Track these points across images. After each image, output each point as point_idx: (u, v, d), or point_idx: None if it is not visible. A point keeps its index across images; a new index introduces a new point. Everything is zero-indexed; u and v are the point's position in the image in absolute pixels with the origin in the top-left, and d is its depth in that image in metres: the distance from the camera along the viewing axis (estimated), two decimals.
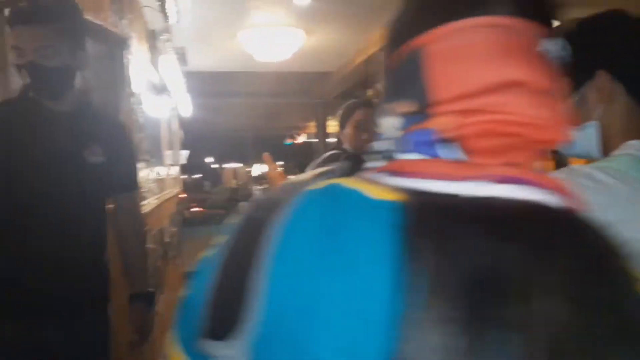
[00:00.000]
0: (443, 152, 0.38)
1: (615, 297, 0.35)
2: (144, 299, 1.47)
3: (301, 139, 13.34)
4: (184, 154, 6.40)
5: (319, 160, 1.74)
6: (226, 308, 0.39)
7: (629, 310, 0.35)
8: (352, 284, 0.34)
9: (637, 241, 0.46)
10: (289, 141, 13.99)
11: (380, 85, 0.49)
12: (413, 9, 0.44)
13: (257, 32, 4.36)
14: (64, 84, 1.29)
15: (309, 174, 0.46)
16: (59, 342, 1.29)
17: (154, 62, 3.73)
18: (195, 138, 8.28)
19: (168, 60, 4.00)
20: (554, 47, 0.41)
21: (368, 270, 0.34)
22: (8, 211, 1.28)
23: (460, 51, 0.39)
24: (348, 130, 1.83)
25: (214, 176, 14.66)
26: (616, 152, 0.76)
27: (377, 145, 0.44)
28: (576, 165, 0.80)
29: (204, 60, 5.29)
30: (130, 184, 1.48)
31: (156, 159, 3.79)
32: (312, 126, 9.99)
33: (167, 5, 3.19)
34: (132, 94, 2.73)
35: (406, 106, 0.41)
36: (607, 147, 0.78)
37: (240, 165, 14.75)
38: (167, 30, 3.82)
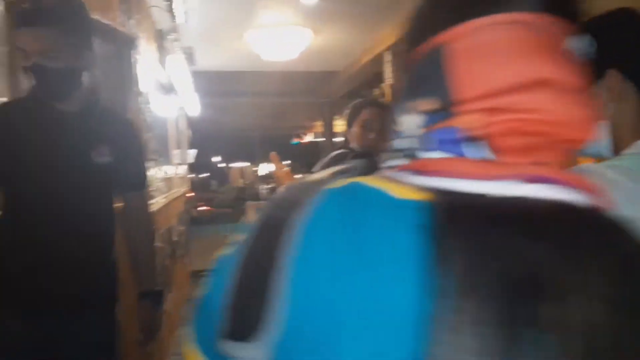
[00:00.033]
0: (469, 150, 0.38)
1: None
2: (153, 298, 1.47)
3: (308, 138, 13.34)
4: (192, 153, 6.43)
5: (326, 159, 1.74)
6: (247, 309, 0.38)
7: None
8: (378, 286, 0.34)
9: None
10: (295, 140, 14.00)
11: (396, 83, 0.48)
12: (433, 5, 0.43)
13: (264, 32, 4.37)
14: (69, 85, 1.29)
15: (324, 172, 0.45)
16: (67, 340, 1.30)
17: (162, 62, 3.75)
18: (203, 137, 8.31)
19: (176, 60, 4.02)
20: (580, 44, 0.40)
21: (394, 272, 0.34)
22: (14, 210, 1.29)
23: (484, 49, 0.38)
24: (355, 129, 1.83)
25: (221, 175, 14.69)
26: (627, 151, 0.76)
27: (398, 143, 0.43)
28: (586, 164, 0.79)
29: (211, 59, 5.31)
30: (139, 183, 1.48)
31: (164, 158, 3.81)
32: (318, 125, 9.98)
33: (174, 5, 3.21)
34: (140, 94, 2.74)
35: (428, 104, 0.40)
36: (617, 146, 0.78)
37: (247, 164, 14.79)
38: (174, 29, 3.83)
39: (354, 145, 1.82)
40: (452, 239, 0.34)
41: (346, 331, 0.34)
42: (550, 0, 0.39)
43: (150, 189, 2.57)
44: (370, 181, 0.39)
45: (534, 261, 0.34)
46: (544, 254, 0.34)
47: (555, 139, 0.37)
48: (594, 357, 0.32)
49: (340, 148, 1.86)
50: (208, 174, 14.84)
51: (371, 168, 0.45)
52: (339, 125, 7.64)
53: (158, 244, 2.38)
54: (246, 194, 9.01)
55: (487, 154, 0.37)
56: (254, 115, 9.56)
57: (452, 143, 0.38)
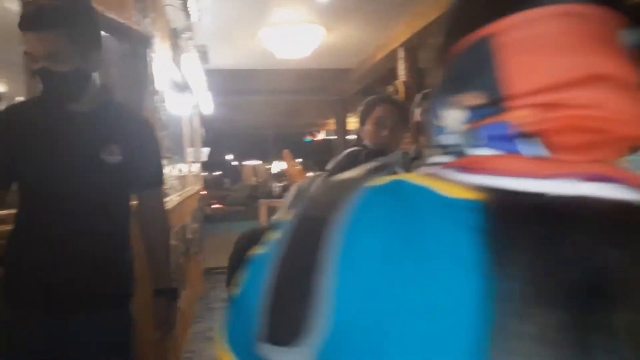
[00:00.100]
0: (523, 147, 0.36)
1: None
2: (168, 295, 1.48)
3: (321, 136, 13.34)
4: (205, 152, 6.47)
5: (340, 157, 1.73)
6: (287, 311, 0.37)
7: None
8: (434, 289, 0.32)
9: None
10: (308, 138, 14.01)
11: (431, 79, 0.46)
12: None
13: (278, 30, 4.38)
14: (78, 87, 1.28)
15: (359, 170, 0.43)
16: (81, 339, 1.31)
17: (176, 61, 3.78)
18: (216, 135, 8.37)
19: (190, 59, 4.04)
20: (632, 36, 0.38)
21: (451, 275, 0.32)
22: (29, 209, 1.31)
23: (536, 41, 0.36)
24: (368, 126, 1.82)
25: (234, 173, 14.77)
26: None
27: (444, 139, 0.41)
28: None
29: (225, 58, 5.33)
30: (155, 181, 1.49)
31: (178, 156, 3.84)
32: (331, 123, 9.98)
33: (189, 4, 3.23)
34: (155, 92, 2.77)
35: (473, 99, 0.38)
36: None
37: (259, 162, 14.84)
38: (189, 28, 3.86)
39: (367, 142, 1.81)
40: (513, 241, 0.32)
41: (400, 339, 0.32)
42: None
43: (165, 187, 2.59)
44: (414, 179, 0.37)
45: (603, 264, 0.32)
46: (613, 257, 0.32)
47: (613, 136, 0.35)
48: None
49: (353, 145, 1.86)
50: (221, 172, 14.94)
51: (408, 165, 0.43)
52: (352, 122, 7.63)
53: (172, 241, 2.40)
54: (259, 191, 9.05)
55: (541, 151, 0.35)
56: (267, 113, 9.58)
57: (503, 139, 0.36)
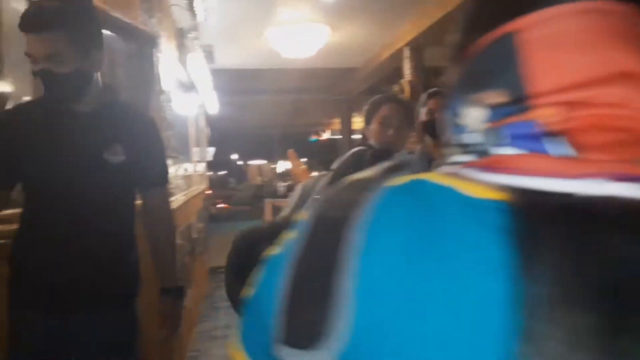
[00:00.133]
0: (550, 146, 0.35)
1: None
2: (174, 293, 1.48)
3: (326, 135, 13.35)
4: (210, 151, 6.49)
5: (345, 156, 1.73)
6: (306, 314, 0.36)
7: None
8: (460, 291, 0.32)
9: None
10: (313, 138, 14.02)
11: (447, 77, 0.45)
12: None
13: (283, 29, 4.38)
14: (80, 87, 1.28)
15: (374, 169, 0.42)
16: (86, 339, 1.32)
17: (182, 60, 3.79)
18: (221, 135, 8.39)
19: (196, 58, 4.05)
20: None
21: (475, 277, 0.32)
22: (34, 209, 1.31)
23: (561, 38, 0.36)
24: (374, 126, 1.81)
25: (239, 173, 14.81)
26: None
27: (464, 138, 0.40)
28: None
29: (230, 57, 5.34)
30: (160, 180, 1.49)
31: (184, 155, 3.86)
32: (337, 123, 9.97)
33: (195, 4, 3.23)
34: (162, 92, 2.78)
35: (494, 96, 0.38)
36: None
37: (264, 162, 14.87)
38: (195, 28, 3.87)
39: (372, 142, 1.81)
40: (541, 242, 0.31)
41: (425, 342, 0.32)
42: None
43: (171, 187, 2.60)
44: (435, 178, 0.37)
45: (634, 266, 0.31)
46: None
47: (639, 135, 0.34)
48: None
49: (358, 145, 1.85)
50: (226, 172, 14.97)
51: (425, 165, 0.42)
52: (358, 122, 7.62)
53: (178, 241, 2.40)
54: (264, 191, 9.08)
55: (567, 150, 0.34)
56: (273, 112, 9.60)
57: (528, 138, 0.35)
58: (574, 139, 0.34)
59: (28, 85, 1.87)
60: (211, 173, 9.28)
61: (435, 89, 2.09)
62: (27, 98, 1.76)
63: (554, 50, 0.36)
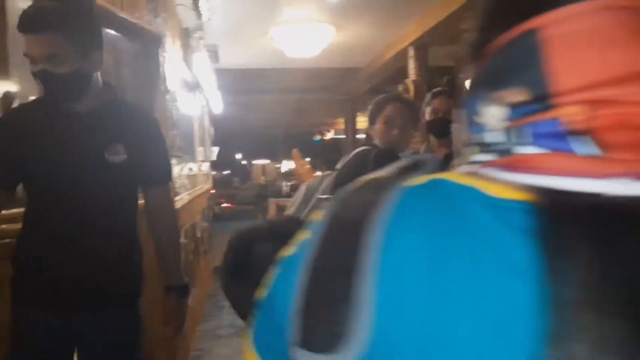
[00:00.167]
0: (576, 145, 0.34)
1: None
2: (179, 291, 1.48)
3: (330, 135, 13.35)
4: (214, 151, 6.51)
5: (349, 156, 1.73)
6: (323, 316, 0.35)
7: None
8: (482, 293, 0.31)
9: None
10: (317, 137, 14.03)
11: (464, 74, 0.44)
12: None
13: (288, 29, 4.39)
14: (79, 87, 1.28)
15: (390, 168, 0.41)
16: (90, 338, 1.32)
17: (187, 60, 3.80)
18: (226, 134, 8.40)
19: (200, 58, 4.07)
20: None
21: (500, 279, 0.31)
22: (36, 208, 1.32)
23: (586, 36, 0.35)
24: (378, 125, 1.81)
25: (243, 172, 14.81)
26: None
27: (484, 137, 0.39)
28: None
29: (235, 57, 5.35)
30: (162, 179, 1.48)
31: (189, 155, 3.87)
32: (341, 122, 9.98)
33: (199, 4, 3.24)
34: (167, 91, 2.79)
35: (516, 95, 0.37)
36: None
37: (268, 161, 14.89)
38: (199, 28, 3.88)
39: (376, 141, 1.81)
40: (569, 243, 0.31)
41: (445, 342, 0.31)
42: None
43: (175, 186, 2.60)
44: (455, 178, 0.36)
45: None
46: None
47: None
48: None
49: (362, 145, 1.85)
50: (230, 171, 14.99)
51: (443, 164, 0.42)
52: (362, 121, 7.62)
53: (182, 239, 2.41)
54: (268, 190, 9.08)
55: (593, 149, 0.33)
56: (277, 112, 9.61)
57: (552, 137, 0.34)
58: (599, 138, 0.33)
59: (34, 84, 1.88)
60: (215, 172, 9.29)
61: (439, 88, 2.08)
62: (33, 97, 1.77)
63: (576, 48, 0.35)
